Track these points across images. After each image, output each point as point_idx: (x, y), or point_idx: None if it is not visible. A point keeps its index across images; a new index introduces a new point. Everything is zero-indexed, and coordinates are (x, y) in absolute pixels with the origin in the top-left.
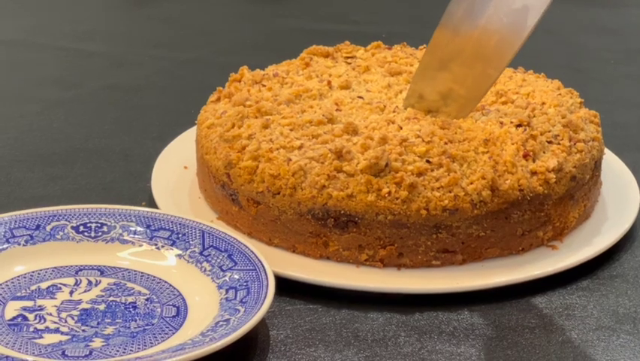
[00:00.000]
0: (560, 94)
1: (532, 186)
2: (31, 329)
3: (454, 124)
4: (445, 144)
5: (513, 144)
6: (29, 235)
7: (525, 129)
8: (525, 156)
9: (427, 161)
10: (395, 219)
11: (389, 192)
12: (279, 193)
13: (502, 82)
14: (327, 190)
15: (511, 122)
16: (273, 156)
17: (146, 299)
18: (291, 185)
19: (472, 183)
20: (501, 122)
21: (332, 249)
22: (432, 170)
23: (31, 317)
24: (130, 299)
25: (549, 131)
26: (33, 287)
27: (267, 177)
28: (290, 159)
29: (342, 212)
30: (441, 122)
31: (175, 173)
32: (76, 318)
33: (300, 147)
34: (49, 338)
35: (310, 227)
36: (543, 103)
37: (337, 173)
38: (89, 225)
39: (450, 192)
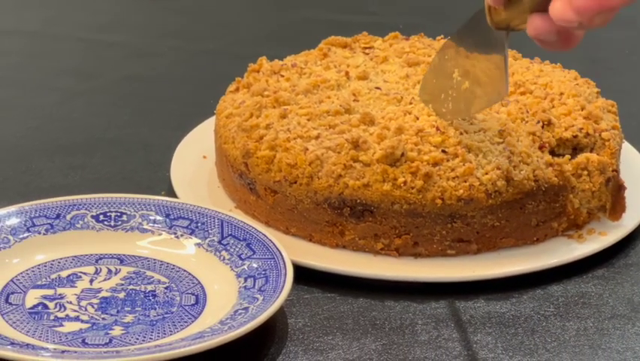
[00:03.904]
0: (577, 84)
1: (547, 177)
2: (52, 317)
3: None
4: (461, 134)
5: (529, 134)
6: (50, 223)
7: (543, 125)
8: (541, 148)
9: (443, 151)
10: (410, 208)
11: (405, 182)
12: (295, 182)
13: (519, 72)
14: (344, 180)
15: (533, 117)
16: (290, 145)
17: (166, 288)
18: (307, 174)
19: (487, 174)
20: (524, 120)
21: (348, 238)
22: (447, 160)
23: (51, 305)
24: (149, 288)
25: (572, 126)
26: (53, 276)
27: (284, 167)
28: (307, 149)
29: (358, 201)
30: None
31: (194, 162)
32: (96, 306)
33: (317, 137)
34: (70, 326)
35: (326, 216)
36: (561, 93)
37: (353, 162)
38: (108, 214)
39: (465, 181)
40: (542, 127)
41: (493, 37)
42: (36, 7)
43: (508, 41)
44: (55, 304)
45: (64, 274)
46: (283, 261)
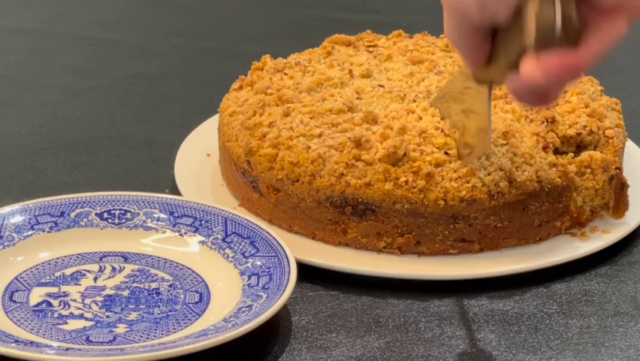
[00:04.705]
0: (581, 82)
1: (550, 178)
2: (56, 315)
3: None
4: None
5: (533, 135)
6: (54, 221)
7: (547, 124)
8: (545, 148)
9: (446, 153)
10: (412, 208)
11: (406, 181)
12: (298, 181)
13: None
14: (346, 178)
15: (537, 114)
16: (293, 143)
17: (170, 285)
18: (309, 173)
19: (489, 175)
20: (529, 118)
21: (351, 236)
22: (450, 161)
23: (55, 303)
24: (153, 285)
25: (576, 123)
26: (57, 273)
27: (287, 165)
28: (309, 147)
29: (360, 200)
30: None
31: (198, 160)
32: (100, 304)
33: (319, 135)
34: (74, 324)
35: (329, 214)
36: (565, 91)
37: (356, 161)
38: (112, 212)
39: (467, 182)
40: (546, 126)
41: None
42: (40, 5)
43: (490, 95)
44: (60, 302)
45: (68, 271)
46: (287, 259)
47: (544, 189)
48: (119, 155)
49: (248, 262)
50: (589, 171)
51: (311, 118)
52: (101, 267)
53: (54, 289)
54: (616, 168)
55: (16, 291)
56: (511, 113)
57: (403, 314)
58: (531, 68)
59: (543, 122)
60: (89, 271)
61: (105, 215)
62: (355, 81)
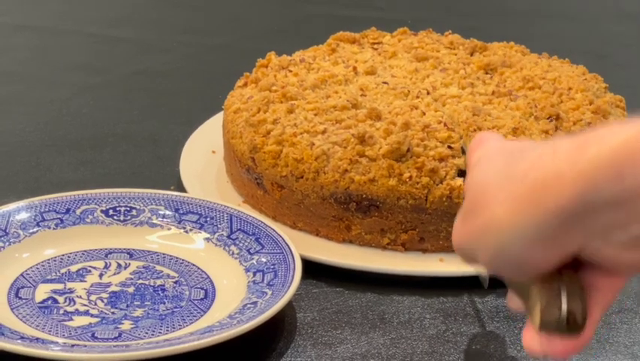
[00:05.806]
0: (585, 79)
1: None
2: (61, 312)
3: (484, 110)
4: (474, 131)
5: (542, 132)
6: (59, 218)
7: (552, 120)
8: None
9: (449, 147)
10: (416, 203)
11: (410, 177)
12: (302, 177)
13: (528, 67)
14: (350, 174)
15: (542, 111)
16: (297, 140)
17: (175, 282)
18: (313, 169)
19: None
20: (533, 115)
21: (354, 232)
22: (453, 156)
23: (61, 299)
24: (159, 282)
25: (581, 120)
26: (63, 270)
27: (291, 162)
28: (313, 144)
29: (364, 196)
30: (472, 107)
31: (203, 157)
32: (105, 301)
33: (323, 132)
34: (79, 321)
35: (333, 211)
36: (570, 88)
37: (359, 157)
38: (118, 208)
39: None
40: (556, 127)
41: None
42: (46, 2)
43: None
44: (65, 298)
45: (73, 268)
46: (292, 255)
47: None
48: (124, 152)
49: (253, 258)
50: None
51: (315, 115)
52: (106, 264)
53: (60, 286)
54: None
55: (22, 288)
56: (515, 109)
57: (408, 311)
58: (532, 342)
59: (549, 118)
60: (94, 268)
61: (110, 212)
62: (359, 78)
